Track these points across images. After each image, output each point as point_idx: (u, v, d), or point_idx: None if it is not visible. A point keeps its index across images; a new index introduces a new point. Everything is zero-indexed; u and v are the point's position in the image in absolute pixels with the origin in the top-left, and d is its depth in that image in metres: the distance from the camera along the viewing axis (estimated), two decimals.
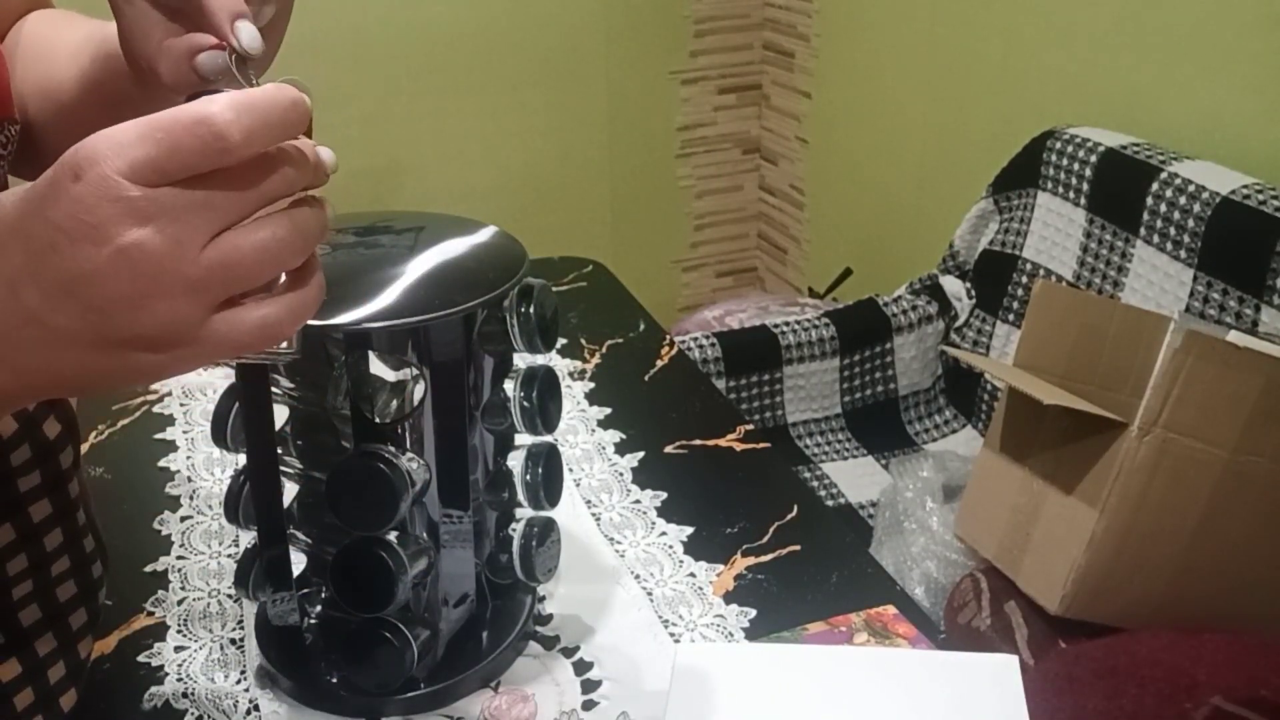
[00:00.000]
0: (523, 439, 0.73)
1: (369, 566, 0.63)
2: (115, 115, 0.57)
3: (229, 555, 0.85)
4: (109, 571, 0.78)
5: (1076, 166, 1.60)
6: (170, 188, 0.40)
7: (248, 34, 0.47)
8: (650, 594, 0.80)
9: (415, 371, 0.63)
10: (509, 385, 0.70)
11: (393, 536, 0.64)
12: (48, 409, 0.61)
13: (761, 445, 1.00)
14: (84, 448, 0.99)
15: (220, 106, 0.40)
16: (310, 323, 0.60)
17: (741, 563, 0.84)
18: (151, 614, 0.79)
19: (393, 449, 0.62)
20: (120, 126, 0.40)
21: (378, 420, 0.63)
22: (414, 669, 0.66)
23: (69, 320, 0.41)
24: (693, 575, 0.82)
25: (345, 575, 0.64)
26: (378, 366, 0.63)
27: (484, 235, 0.71)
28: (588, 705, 0.70)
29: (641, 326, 1.24)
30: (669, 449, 0.99)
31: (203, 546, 0.86)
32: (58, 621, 0.72)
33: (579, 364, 1.16)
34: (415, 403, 0.64)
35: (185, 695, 0.72)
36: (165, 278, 0.40)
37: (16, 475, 0.67)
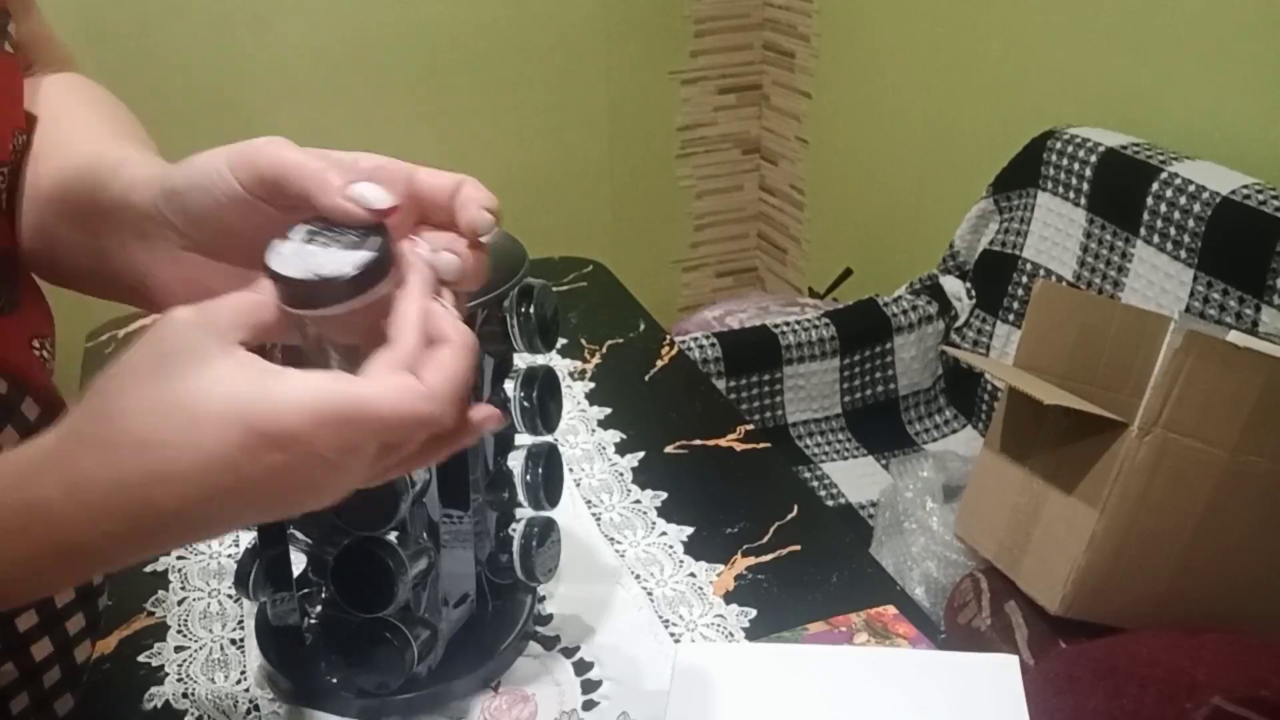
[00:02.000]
0: (523, 439, 0.73)
1: (369, 567, 0.63)
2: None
3: (229, 555, 0.85)
4: (110, 575, 0.78)
5: (1076, 166, 1.60)
6: (370, 455, 0.42)
7: (372, 194, 0.44)
8: (650, 594, 0.80)
9: None
10: (509, 385, 0.70)
11: (393, 537, 0.64)
12: (54, 416, 0.61)
13: (761, 445, 1.00)
14: None
15: (441, 405, 0.41)
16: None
17: (742, 563, 0.84)
18: (152, 614, 0.79)
19: None
20: (309, 394, 0.39)
21: None
22: (414, 669, 0.66)
23: (259, 514, 0.47)
24: (693, 575, 0.82)
25: (345, 575, 0.64)
26: None
27: None
28: (588, 705, 0.70)
29: (642, 326, 1.24)
30: (669, 449, 0.99)
31: (202, 546, 0.86)
32: (55, 625, 0.71)
33: (579, 364, 1.16)
34: None
35: (185, 695, 0.72)
36: (346, 488, 0.43)
37: None
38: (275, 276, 0.42)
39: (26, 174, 0.60)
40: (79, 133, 0.61)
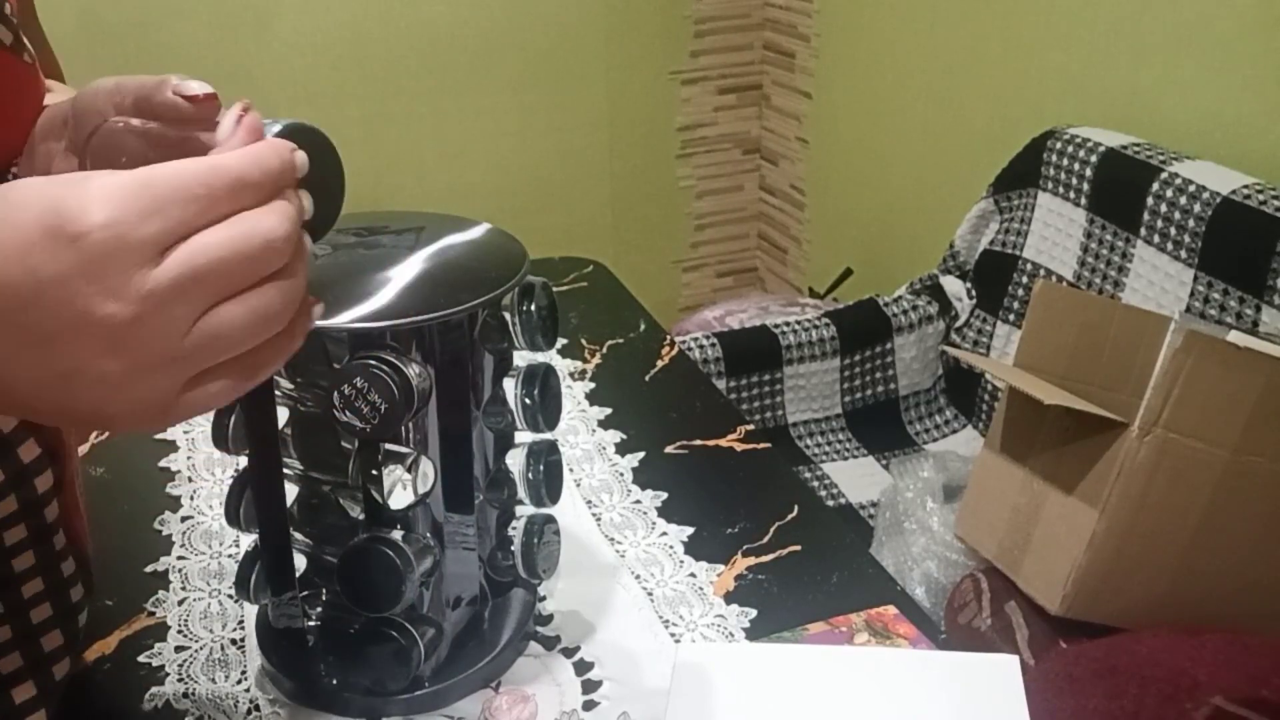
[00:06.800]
0: (523, 437, 0.73)
1: (376, 566, 0.63)
2: None
3: (230, 555, 0.85)
4: (92, 596, 0.75)
5: (1077, 166, 1.60)
6: (174, 260, 0.38)
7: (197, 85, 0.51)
8: (650, 594, 0.80)
9: (420, 370, 0.63)
10: (509, 383, 0.70)
11: (398, 535, 0.64)
12: (27, 432, 0.59)
13: (762, 445, 1.00)
14: (84, 448, 0.99)
15: (255, 166, 0.41)
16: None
17: (742, 563, 0.84)
18: (152, 614, 0.79)
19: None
20: (117, 176, 0.38)
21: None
22: (420, 668, 0.66)
23: (38, 359, 0.38)
24: (693, 575, 0.82)
25: (351, 575, 0.64)
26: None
27: (484, 234, 0.71)
28: (588, 705, 0.70)
29: (642, 326, 1.24)
30: (669, 449, 0.99)
31: (203, 546, 0.86)
32: (29, 643, 0.68)
33: (579, 364, 1.16)
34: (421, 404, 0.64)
35: (186, 695, 0.72)
36: (149, 357, 0.38)
37: None
38: None
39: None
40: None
